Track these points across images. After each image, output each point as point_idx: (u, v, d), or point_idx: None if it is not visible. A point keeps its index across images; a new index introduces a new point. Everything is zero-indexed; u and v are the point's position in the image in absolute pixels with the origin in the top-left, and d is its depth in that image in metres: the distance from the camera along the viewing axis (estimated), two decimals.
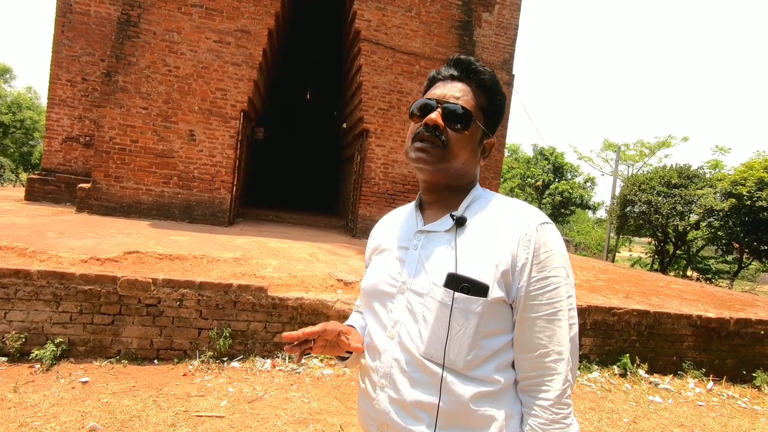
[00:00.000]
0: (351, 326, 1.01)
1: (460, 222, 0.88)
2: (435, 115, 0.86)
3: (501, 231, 0.85)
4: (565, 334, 0.82)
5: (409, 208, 1.04)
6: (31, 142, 23.88)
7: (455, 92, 0.90)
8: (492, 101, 0.92)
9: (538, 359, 0.82)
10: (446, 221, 0.91)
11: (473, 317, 0.81)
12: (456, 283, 0.82)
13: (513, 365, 0.86)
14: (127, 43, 6.74)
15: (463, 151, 0.89)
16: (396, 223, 1.04)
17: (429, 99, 0.91)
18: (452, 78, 0.93)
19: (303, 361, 3.65)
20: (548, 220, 0.87)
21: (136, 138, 6.84)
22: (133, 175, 6.85)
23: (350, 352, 0.98)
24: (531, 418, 0.83)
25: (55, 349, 3.17)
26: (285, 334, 0.82)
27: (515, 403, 0.86)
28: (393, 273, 0.93)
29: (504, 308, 0.83)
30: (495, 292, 0.81)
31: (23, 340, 3.18)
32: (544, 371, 0.82)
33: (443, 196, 0.94)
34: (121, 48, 6.73)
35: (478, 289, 0.81)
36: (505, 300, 0.82)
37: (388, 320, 0.91)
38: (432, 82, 0.97)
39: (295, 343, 0.85)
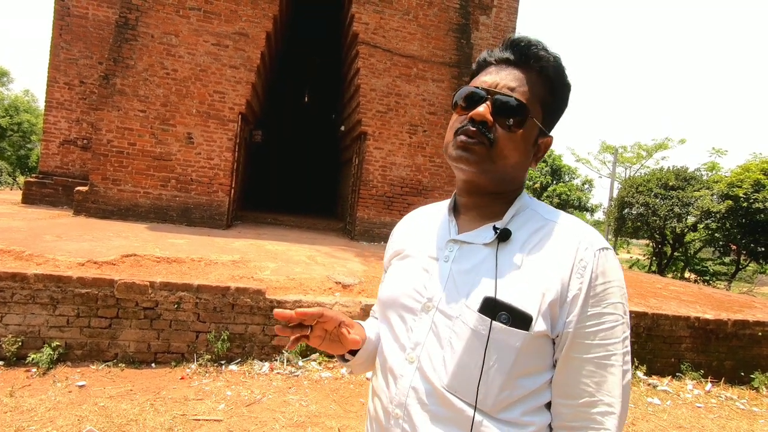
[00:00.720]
0: (358, 323, 0.91)
1: (503, 235, 0.75)
2: (483, 109, 0.72)
3: (551, 253, 0.72)
4: (617, 382, 0.69)
5: (440, 209, 0.91)
6: (28, 146, 23.85)
7: (510, 81, 0.74)
8: (555, 93, 0.77)
9: (582, 408, 0.70)
10: (486, 232, 0.78)
11: (510, 352, 0.69)
12: (494, 309, 0.70)
13: (547, 406, 0.74)
14: (124, 46, 6.74)
15: (514, 153, 0.75)
16: (423, 226, 0.90)
17: (477, 87, 0.76)
18: (507, 63, 0.77)
19: (301, 363, 3.64)
20: (608, 245, 0.74)
21: (133, 141, 6.83)
22: (131, 178, 6.84)
23: (353, 353, 0.87)
24: None
25: (51, 352, 3.16)
26: (277, 310, 0.72)
27: None
28: (418, 286, 0.80)
29: (546, 343, 0.71)
30: (539, 325, 0.69)
31: (20, 343, 3.16)
32: (589, 424, 0.69)
33: (484, 201, 0.81)
34: (119, 51, 6.73)
35: (519, 319, 0.69)
36: (548, 334, 0.70)
37: (408, 340, 0.78)
38: (482, 66, 0.81)
39: (290, 324, 0.75)
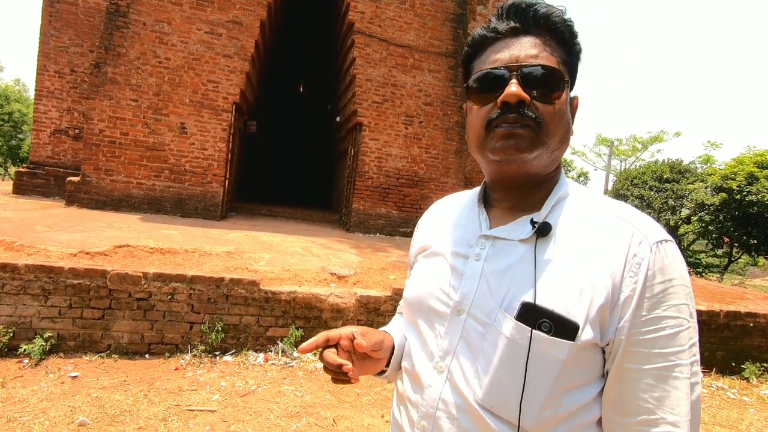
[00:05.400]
0: (379, 331, 0.81)
1: (542, 230, 0.66)
2: (515, 88, 0.63)
3: (599, 248, 0.63)
4: (683, 397, 0.59)
5: (469, 199, 0.82)
6: (19, 136, 23.51)
7: (529, 49, 0.65)
8: (571, 50, 0.69)
9: (640, 427, 0.60)
10: (523, 227, 0.69)
11: (554, 365, 0.60)
12: (534, 317, 0.61)
13: (598, 423, 0.65)
14: (116, 34, 6.62)
15: (559, 126, 0.66)
16: (451, 219, 0.81)
17: (495, 68, 0.66)
18: (514, 33, 0.67)
19: (296, 354, 3.63)
20: (668, 236, 0.64)
21: (126, 131, 6.74)
22: (124, 168, 6.76)
23: (387, 367, 0.80)
24: None
25: (43, 343, 3.13)
26: (302, 346, 0.67)
27: None
28: (445, 286, 0.72)
29: (595, 353, 0.62)
30: (586, 334, 0.60)
31: (11, 334, 3.13)
32: None
33: (521, 192, 0.71)
34: (110, 39, 6.61)
35: (563, 328, 0.60)
36: (597, 343, 0.61)
37: (436, 347, 0.71)
38: (481, 44, 0.71)
39: (332, 362, 0.67)
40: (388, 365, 0.80)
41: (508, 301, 0.65)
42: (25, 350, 3.08)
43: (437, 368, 0.70)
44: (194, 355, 3.41)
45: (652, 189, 13.46)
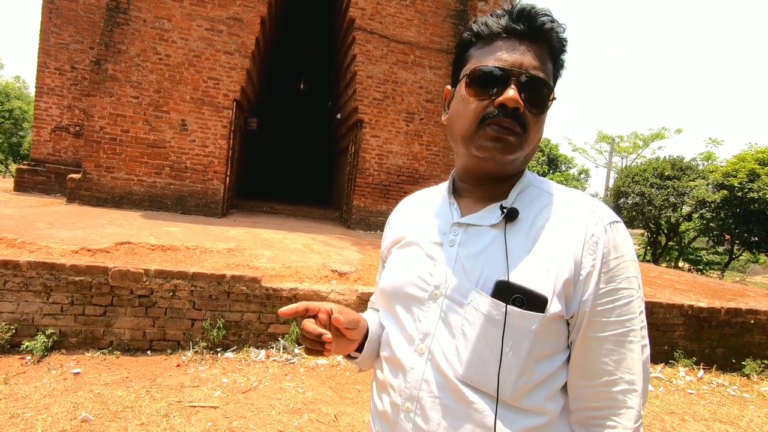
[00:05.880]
0: (356, 313, 0.85)
1: (511, 215, 0.72)
2: (514, 94, 0.67)
3: (561, 230, 0.70)
4: (637, 359, 0.68)
5: (438, 193, 0.87)
6: (20, 133, 23.48)
7: (532, 60, 0.69)
8: (557, 63, 0.74)
9: (602, 388, 0.68)
10: (492, 213, 0.74)
11: (527, 337, 0.67)
12: (508, 293, 0.67)
13: (563, 389, 0.72)
14: (116, 31, 6.61)
15: (538, 135, 0.72)
16: (423, 211, 0.86)
17: (501, 68, 0.68)
18: (520, 37, 0.70)
19: (297, 350, 3.64)
20: (618, 218, 0.72)
21: (126, 128, 6.74)
22: (125, 165, 6.77)
23: (360, 351, 0.84)
24: None
25: (46, 340, 3.14)
26: (282, 309, 0.70)
27: None
28: (423, 273, 0.77)
29: (561, 325, 0.69)
30: (554, 306, 0.66)
31: (13, 331, 3.14)
32: (610, 403, 0.68)
33: (490, 183, 0.77)
34: (111, 36, 6.60)
35: (534, 302, 0.67)
36: (563, 315, 0.68)
37: (416, 331, 0.75)
38: (485, 37, 0.72)
39: (309, 337, 0.71)
40: (360, 350, 0.84)
41: (483, 281, 0.70)
42: (27, 347, 3.09)
43: (418, 351, 0.74)
44: (196, 352, 3.42)
45: (653, 186, 13.43)
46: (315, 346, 0.72)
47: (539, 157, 28.94)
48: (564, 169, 29.47)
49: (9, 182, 10.13)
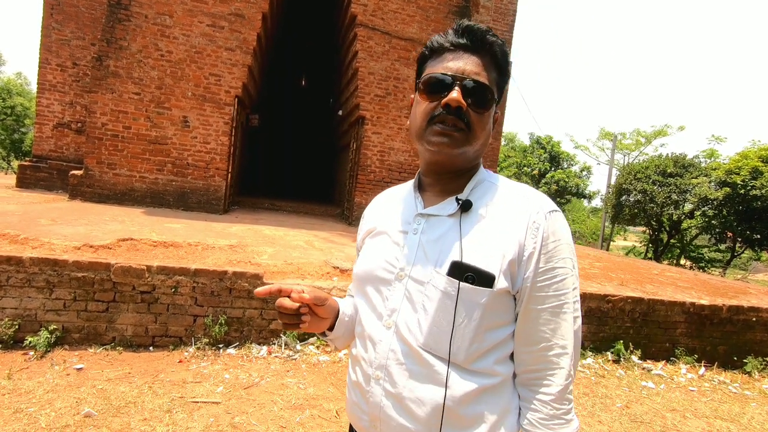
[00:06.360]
0: (331, 297, 0.94)
1: (465, 206, 0.83)
2: (457, 95, 0.78)
3: (508, 218, 0.81)
4: (569, 327, 0.80)
5: (405, 189, 0.98)
6: (22, 129, 23.52)
7: (473, 67, 0.80)
8: (502, 73, 0.85)
9: (540, 353, 0.80)
10: (450, 205, 0.85)
11: (478, 309, 0.78)
12: (461, 272, 0.78)
13: (512, 357, 0.84)
14: (117, 27, 6.60)
15: (483, 132, 0.82)
16: (392, 205, 0.98)
17: (445, 74, 0.80)
18: (464, 49, 0.82)
19: (299, 347, 3.65)
20: (556, 207, 0.83)
21: (128, 124, 6.74)
22: (127, 162, 6.77)
23: (332, 329, 0.94)
24: (530, 412, 0.81)
25: (49, 336, 3.15)
26: (258, 289, 0.78)
27: (513, 396, 0.84)
28: (390, 258, 0.88)
29: (508, 299, 0.80)
30: (501, 283, 0.77)
31: (16, 327, 3.15)
32: (546, 365, 0.80)
33: (447, 178, 0.88)
34: (112, 32, 6.59)
35: (483, 279, 0.77)
36: (509, 291, 0.79)
37: (384, 309, 0.86)
38: (436, 51, 0.85)
39: (287, 310, 0.80)
40: (332, 329, 0.94)
41: (441, 263, 0.81)
42: (30, 342, 3.10)
43: (386, 325, 0.85)
44: (198, 348, 3.43)
45: (655, 183, 13.38)
46: (292, 320, 0.81)
47: (540, 154, 28.87)
48: (566, 166, 29.39)
49: (11, 179, 10.15)
